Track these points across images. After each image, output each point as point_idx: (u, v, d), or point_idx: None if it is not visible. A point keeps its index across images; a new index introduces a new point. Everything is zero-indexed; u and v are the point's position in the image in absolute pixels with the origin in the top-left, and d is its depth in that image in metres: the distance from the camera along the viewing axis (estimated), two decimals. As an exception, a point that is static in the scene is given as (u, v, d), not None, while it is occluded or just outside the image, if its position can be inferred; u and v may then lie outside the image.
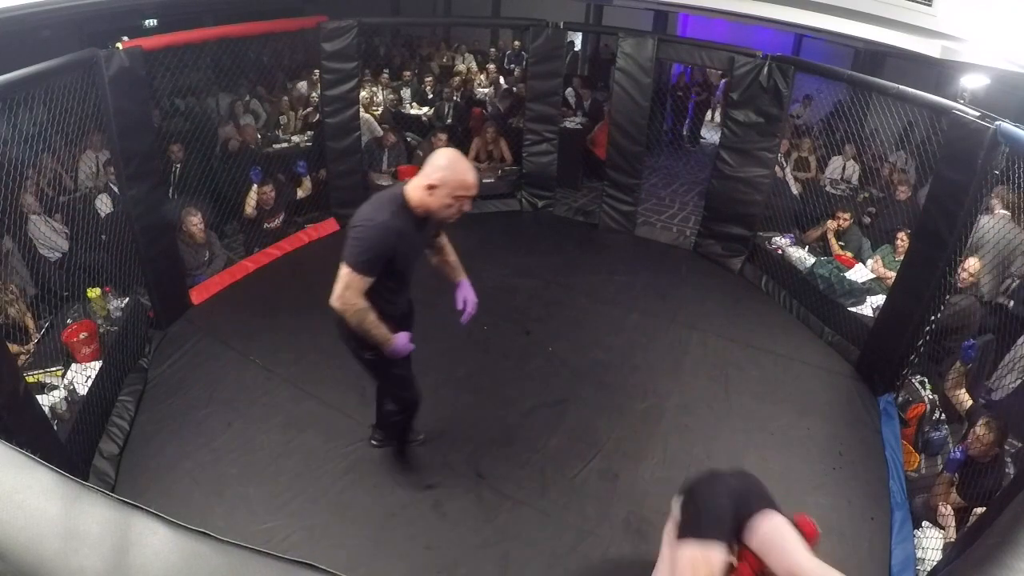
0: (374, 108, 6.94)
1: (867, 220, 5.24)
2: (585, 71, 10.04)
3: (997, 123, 3.02)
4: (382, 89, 7.47)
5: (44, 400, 2.86)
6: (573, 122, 6.97)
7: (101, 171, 4.80)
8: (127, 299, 3.81)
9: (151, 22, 7.41)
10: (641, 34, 5.24)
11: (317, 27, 4.80)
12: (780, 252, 4.94)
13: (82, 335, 3.29)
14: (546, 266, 5.11)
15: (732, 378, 3.91)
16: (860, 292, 4.32)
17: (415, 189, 2.24)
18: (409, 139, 6.63)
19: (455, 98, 7.45)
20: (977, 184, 3.16)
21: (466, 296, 2.65)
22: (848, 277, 4.42)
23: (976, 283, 3.62)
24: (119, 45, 3.46)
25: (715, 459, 3.26)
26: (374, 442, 3.18)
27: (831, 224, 4.87)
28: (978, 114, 3.17)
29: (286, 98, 6.64)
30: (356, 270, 2.20)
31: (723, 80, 6.82)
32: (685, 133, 8.70)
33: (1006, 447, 2.81)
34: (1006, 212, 4.00)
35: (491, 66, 8.63)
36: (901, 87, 3.70)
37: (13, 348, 2.98)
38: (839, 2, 5.21)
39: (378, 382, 2.82)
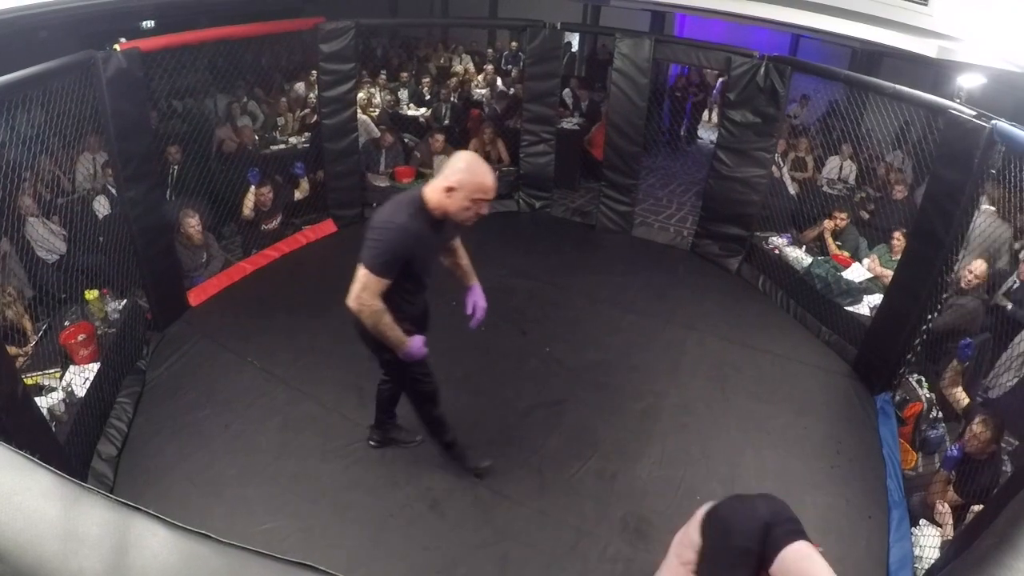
0: (371, 109, 6.94)
1: (865, 216, 5.24)
2: (582, 72, 10.03)
3: (993, 122, 3.04)
4: (379, 90, 7.46)
5: (42, 402, 2.86)
6: (570, 123, 6.97)
7: (99, 173, 4.78)
8: (125, 301, 3.80)
9: (148, 24, 7.39)
10: (638, 35, 5.24)
11: (315, 28, 4.80)
12: (777, 252, 4.95)
13: (80, 337, 3.28)
14: (543, 267, 5.11)
15: (729, 378, 3.91)
16: (857, 291, 4.33)
17: (434, 191, 2.24)
18: (406, 140, 6.63)
19: (452, 99, 7.45)
20: (974, 183, 3.17)
21: (476, 301, 2.66)
22: (845, 277, 4.43)
23: (981, 285, 3.63)
24: (117, 47, 3.45)
25: (713, 459, 3.27)
26: (372, 443, 3.18)
27: (828, 224, 4.88)
28: (974, 113, 3.18)
29: (284, 99, 6.64)
30: (373, 272, 2.21)
31: (720, 80, 6.83)
32: (682, 133, 8.71)
33: (1003, 444, 2.83)
34: (991, 207, 4.02)
35: (488, 67, 8.62)
36: (898, 87, 3.71)
37: (11, 350, 2.98)
38: (836, 2, 5.23)
39: (396, 384, 2.82)
